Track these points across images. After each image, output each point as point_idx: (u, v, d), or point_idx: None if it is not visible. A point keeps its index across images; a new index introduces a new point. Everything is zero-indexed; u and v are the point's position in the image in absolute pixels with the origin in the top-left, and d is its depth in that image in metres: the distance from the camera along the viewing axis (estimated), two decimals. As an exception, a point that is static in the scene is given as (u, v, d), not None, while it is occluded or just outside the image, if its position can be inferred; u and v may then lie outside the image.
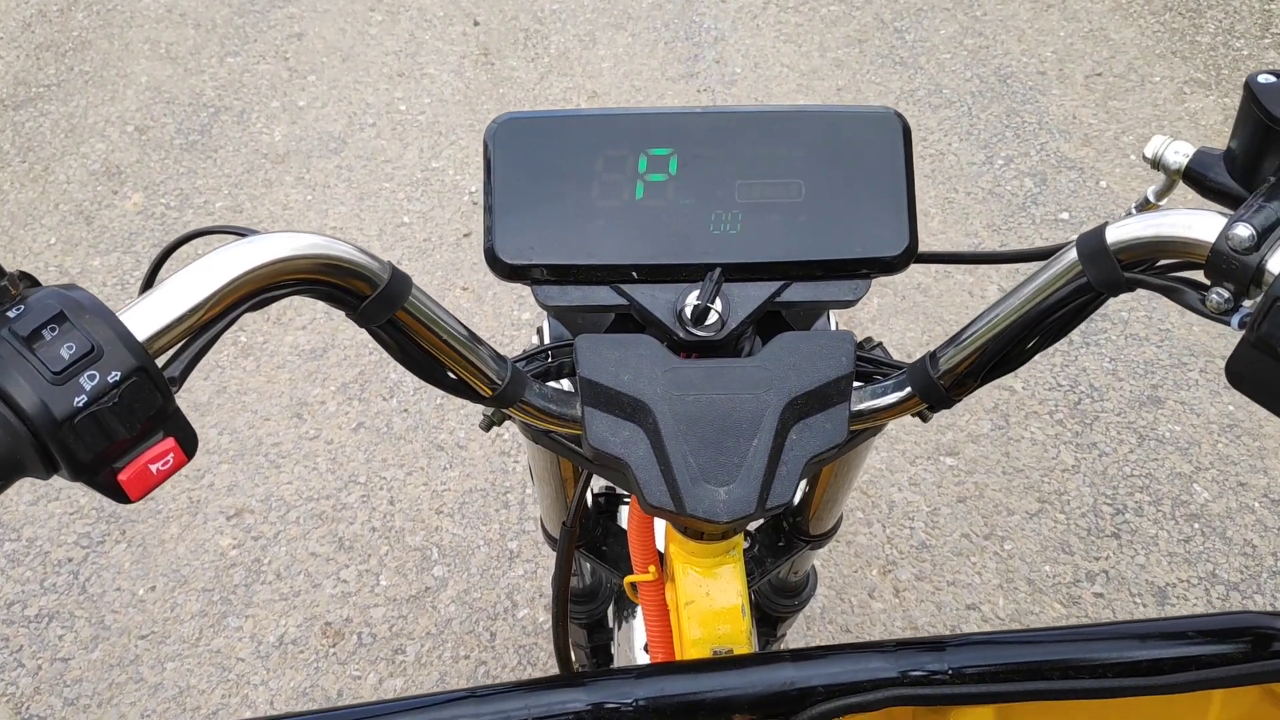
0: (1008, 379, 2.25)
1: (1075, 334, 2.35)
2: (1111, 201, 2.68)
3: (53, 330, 0.43)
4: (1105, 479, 2.08)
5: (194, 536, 2.01)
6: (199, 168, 2.90)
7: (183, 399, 0.49)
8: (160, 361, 0.46)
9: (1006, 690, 0.54)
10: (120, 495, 0.45)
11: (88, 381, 0.42)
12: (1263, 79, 0.55)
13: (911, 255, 0.67)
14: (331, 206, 2.76)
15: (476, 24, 3.49)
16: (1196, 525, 1.99)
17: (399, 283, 0.57)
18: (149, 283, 0.54)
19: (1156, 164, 0.65)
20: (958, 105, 3.07)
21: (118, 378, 0.43)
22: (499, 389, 0.66)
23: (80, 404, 0.42)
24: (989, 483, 2.07)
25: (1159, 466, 2.09)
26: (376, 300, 0.56)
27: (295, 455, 2.15)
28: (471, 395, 0.66)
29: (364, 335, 2.36)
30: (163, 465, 0.46)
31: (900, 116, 0.68)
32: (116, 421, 0.43)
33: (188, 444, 0.47)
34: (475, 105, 3.12)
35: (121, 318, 0.46)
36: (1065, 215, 2.66)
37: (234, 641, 1.85)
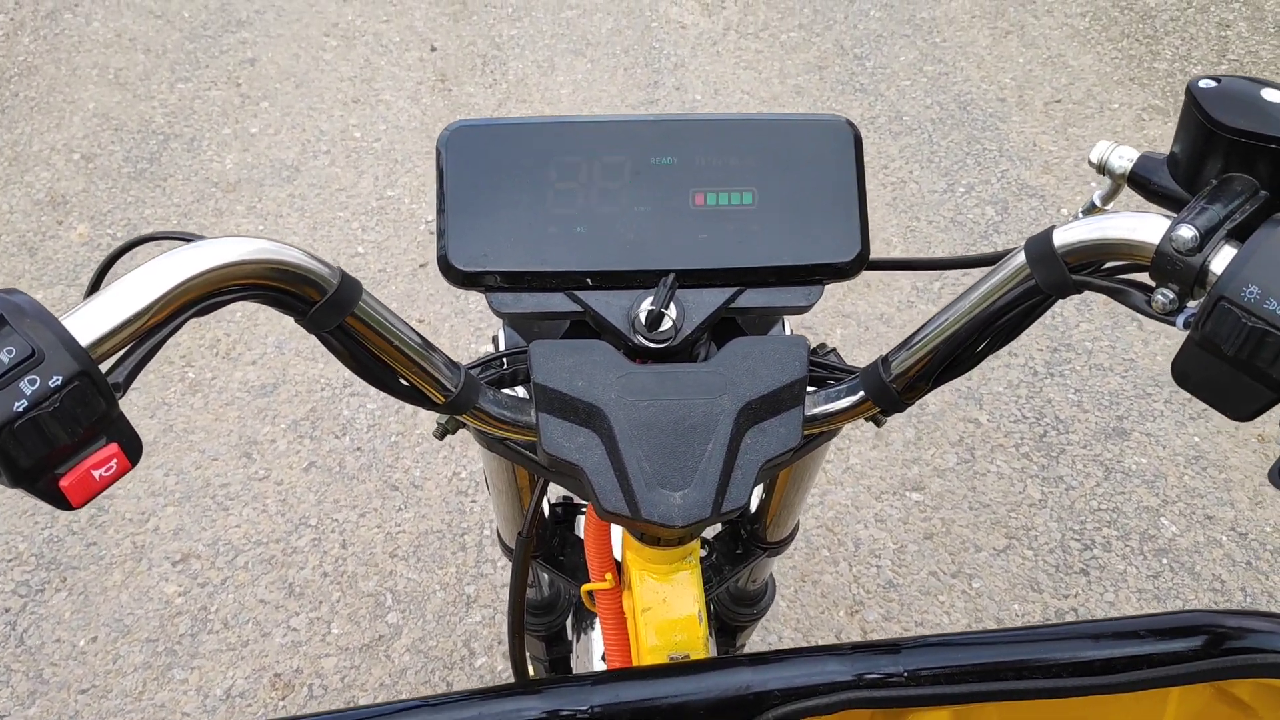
0: (973, 411, 2.23)
1: (1040, 366, 2.33)
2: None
3: None
4: (1072, 513, 2.05)
5: (138, 583, 1.93)
6: (147, 197, 2.82)
7: (128, 406, 0.48)
8: (104, 367, 0.46)
9: (962, 692, 0.55)
10: (62, 502, 0.45)
11: (28, 386, 0.42)
12: (1203, 84, 0.56)
13: (863, 262, 0.67)
14: (284, 236, 2.69)
15: (434, 49, 3.44)
16: (1165, 560, 1.97)
17: (349, 288, 0.57)
18: (94, 288, 0.52)
19: (1102, 169, 0.66)
20: (918, 132, 3.05)
21: (59, 382, 0.43)
22: (452, 396, 0.65)
23: (20, 409, 0.42)
24: (956, 518, 2.04)
25: (1126, 500, 2.07)
26: (326, 306, 0.56)
27: (244, 497, 2.08)
28: (424, 402, 0.65)
29: (316, 370, 2.37)
30: (105, 471, 0.45)
31: (851, 125, 0.68)
32: (58, 427, 0.43)
33: (131, 450, 0.47)
34: (432, 132, 3.06)
35: (64, 322, 0.45)
36: (1027, 244, 2.64)
37: (179, 695, 1.77)
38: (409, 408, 2.22)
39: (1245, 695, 0.59)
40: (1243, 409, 0.50)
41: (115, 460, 0.46)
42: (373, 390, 2.23)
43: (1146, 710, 0.59)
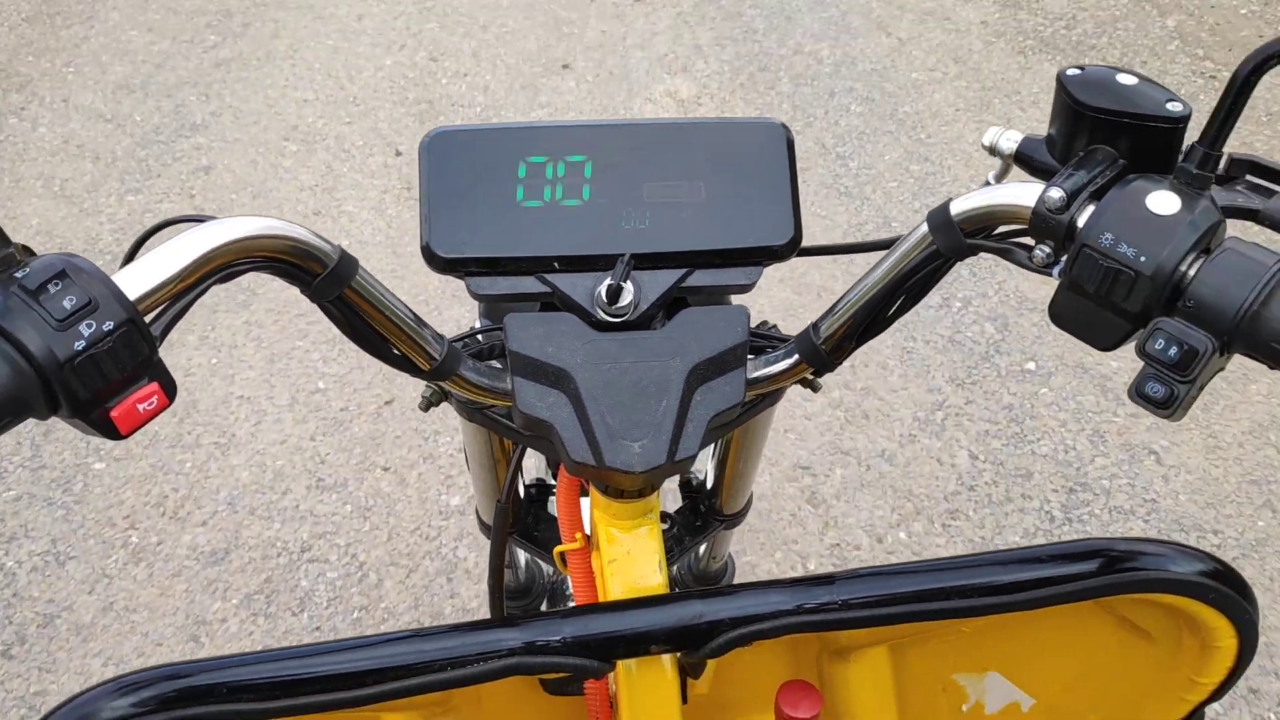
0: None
1: (1057, 511, 2.17)
2: (1080, 347, 2.53)
3: (55, 285, 0.50)
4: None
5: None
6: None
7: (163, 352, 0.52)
8: (146, 319, 0.54)
9: (886, 613, 0.63)
10: (112, 431, 0.53)
11: (86, 329, 0.50)
12: (1071, 72, 0.66)
13: (796, 245, 0.75)
14: (239, 371, 2.51)
15: (399, 154, 3.29)
16: (1206, 739, 1.80)
17: (346, 264, 0.65)
18: (129, 259, 0.58)
19: (993, 151, 0.74)
20: (909, 239, 2.91)
21: (111, 327, 0.51)
22: (436, 364, 0.74)
23: (79, 348, 0.50)
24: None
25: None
26: (326, 278, 0.64)
27: (191, 688, 1.87)
28: (411, 369, 0.73)
29: (271, 532, 2.18)
30: (148, 405, 0.54)
31: (784, 126, 0.77)
32: (111, 364, 0.51)
33: (169, 389, 0.55)
34: (398, 246, 2.91)
35: (115, 278, 0.53)
36: (1031, 365, 2.51)
37: None
38: (371, 578, 2.04)
39: (1132, 613, 0.71)
40: (1107, 340, 0.59)
41: (156, 397, 0.54)
42: (333, 556, 2.07)
43: (1049, 628, 0.72)
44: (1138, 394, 0.57)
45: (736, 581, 1.37)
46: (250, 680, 0.60)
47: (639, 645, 0.64)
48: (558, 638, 0.62)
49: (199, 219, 0.60)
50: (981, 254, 0.66)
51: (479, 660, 0.61)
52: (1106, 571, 0.65)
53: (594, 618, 0.64)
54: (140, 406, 0.53)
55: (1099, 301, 0.58)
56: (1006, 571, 0.65)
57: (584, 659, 0.63)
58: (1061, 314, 0.60)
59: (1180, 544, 0.66)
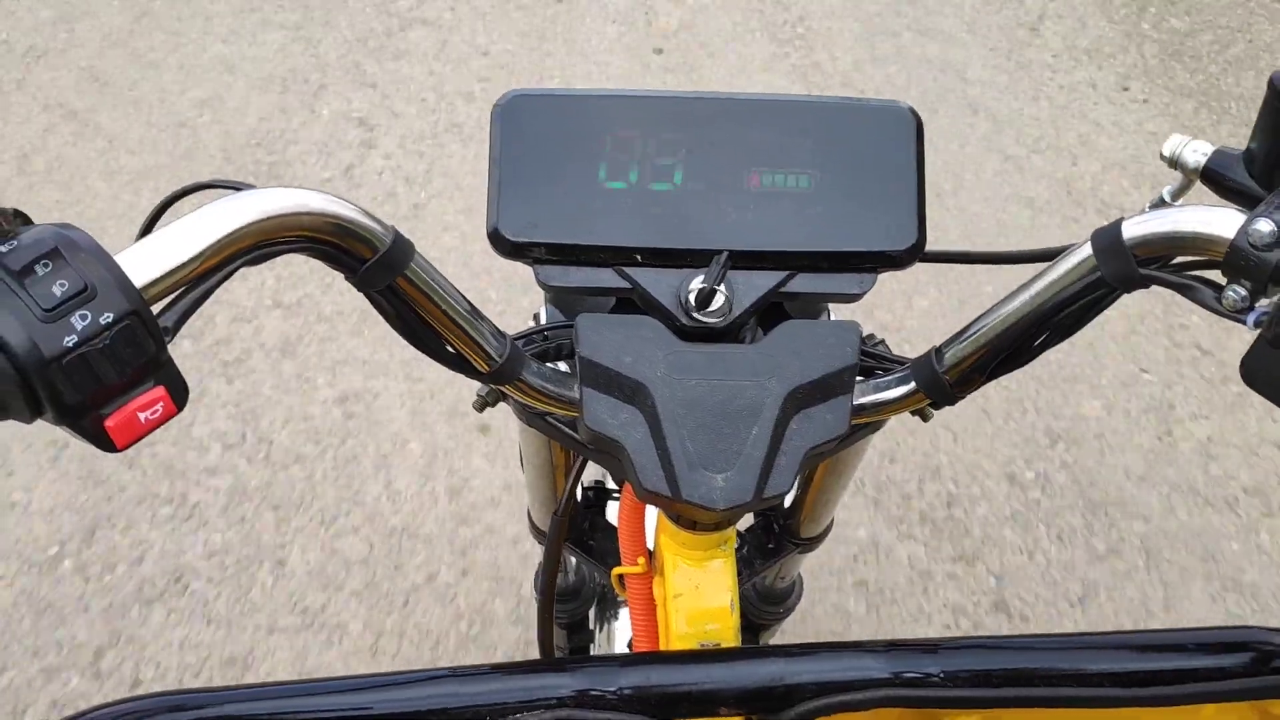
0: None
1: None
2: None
3: (46, 267, 0.43)
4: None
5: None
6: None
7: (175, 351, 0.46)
8: (155, 310, 0.46)
9: (998, 695, 0.55)
10: (106, 443, 0.45)
11: (79, 321, 0.43)
12: None
13: (918, 251, 0.67)
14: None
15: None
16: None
17: (401, 248, 0.57)
18: (147, 232, 0.52)
19: (1174, 163, 0.66)
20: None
21: (110, 319, 0.43)
22: (496, 365, 0.66)
23: (70, 344, 0.42)
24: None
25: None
26: (377, 265, 0.56)
27: None
28: (469, 370, 0.66)
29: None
30: (151, 414, 0.46)
31: (913, 111, 0.68)
32: (107, 365, 0.44)
33: (178, 394, 0.47)
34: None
35: (119, 259, 0.46)
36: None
37: None
38: None
39: None
40: None
41: (162, 404, 0.47)
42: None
43: None
44: None
45: (801, 599, 1.28)
46: (260, 715, 0.53)
47: (706, 706, 0.57)
48: (613, 689, 0.56)
49: (234, 186, 0.52)
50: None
51: (522, 708, 0.55)
52: (1260, 669, 0.56)
53: (656, 668, 0.57)
54: (142, 415, 0.46)
55: None
56: (1144, 658, 0.57)
57: (641, 715, 0.56)
58: (1257, 373, 0.51)
59: None
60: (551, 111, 0.67)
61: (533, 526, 1.10)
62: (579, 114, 0.67)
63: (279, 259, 0.55)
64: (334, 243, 0.55)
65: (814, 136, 0.67)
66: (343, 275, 0.58)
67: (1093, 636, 0.58)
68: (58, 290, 0.42)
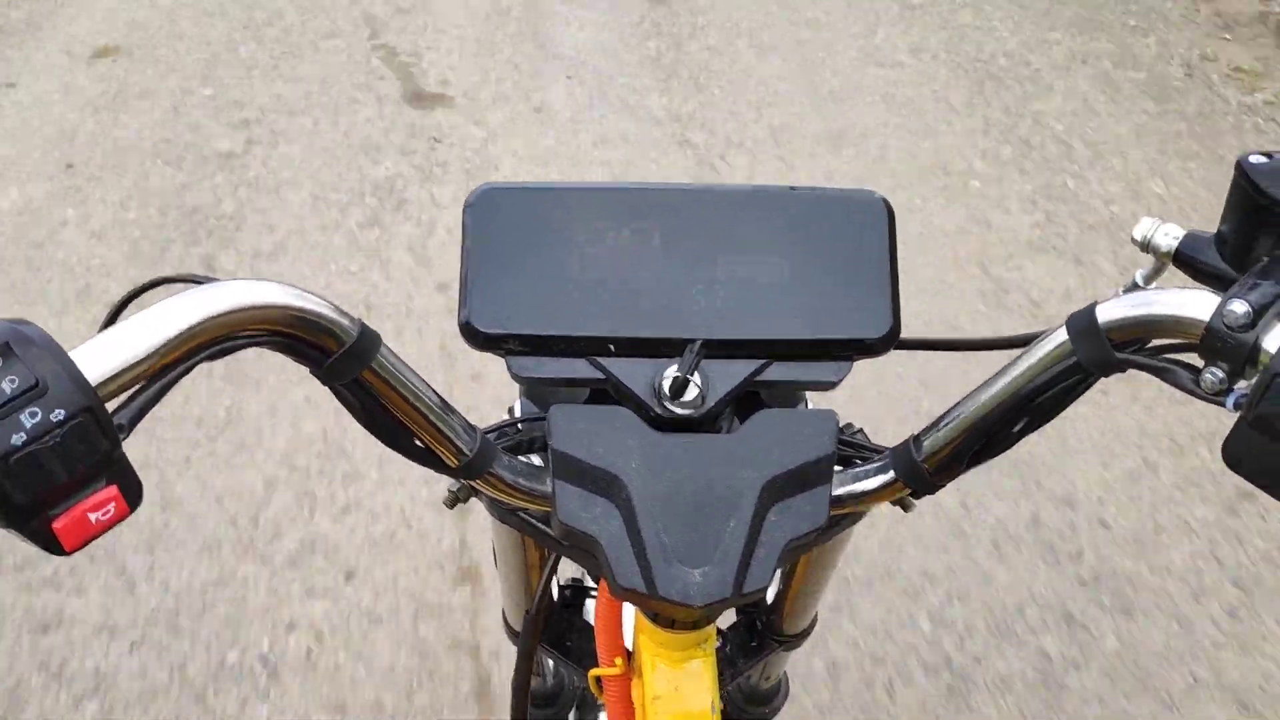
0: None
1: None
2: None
3: None
4: None
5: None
6: None
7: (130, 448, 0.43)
8: (110, 407, 0.45)
9: None
10: (54, 545, 0.44)
11: (28, 419, 0.41)
12: (1254, 159, 0.57)
13: (893, 339, 0.66)
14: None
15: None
16: None
17: (367, 340, 0.57)
18: (108, 326, 0.49)
19: (1146, 246, 0.66)
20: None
21: (61, 417, 0.42)
22: (466, 460, 0.64)
23: (18, 442, 0.41)
24: None
25: None
26: (343, 358, 0.56)
27: None
28: (438, 465, 0.64)
29: None
30: (103, 515, 0.45)
31: (884, 201, 0.68)
32: (56, 463, 0.42)
33: (131, 493, 0.46)
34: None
35: (72, 355, 0.44)
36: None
37: None
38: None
39: None
40: None
41: (114, 503, 0.45)
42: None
43: None
44: None
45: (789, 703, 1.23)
46: None
47: None
48: None
49: (195, 280, 0.51)
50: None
51: None
52: None
53: None
54: (93, 516, 0.44)
55: None
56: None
57: None
58: (1241, 456, 0.49)
59: None
60: (522, 204, 0.67)
61: (507, 627, 1.07)
62: (550, 206, 0.67)
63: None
64: (298, 336, 0.54)
65: (786, 225, 0.67)
66: (307, 369, 0.56)
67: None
68: (7, 387, 0.41)
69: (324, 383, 0.57)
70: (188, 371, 0.49)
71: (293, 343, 0.54)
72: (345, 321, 0.55)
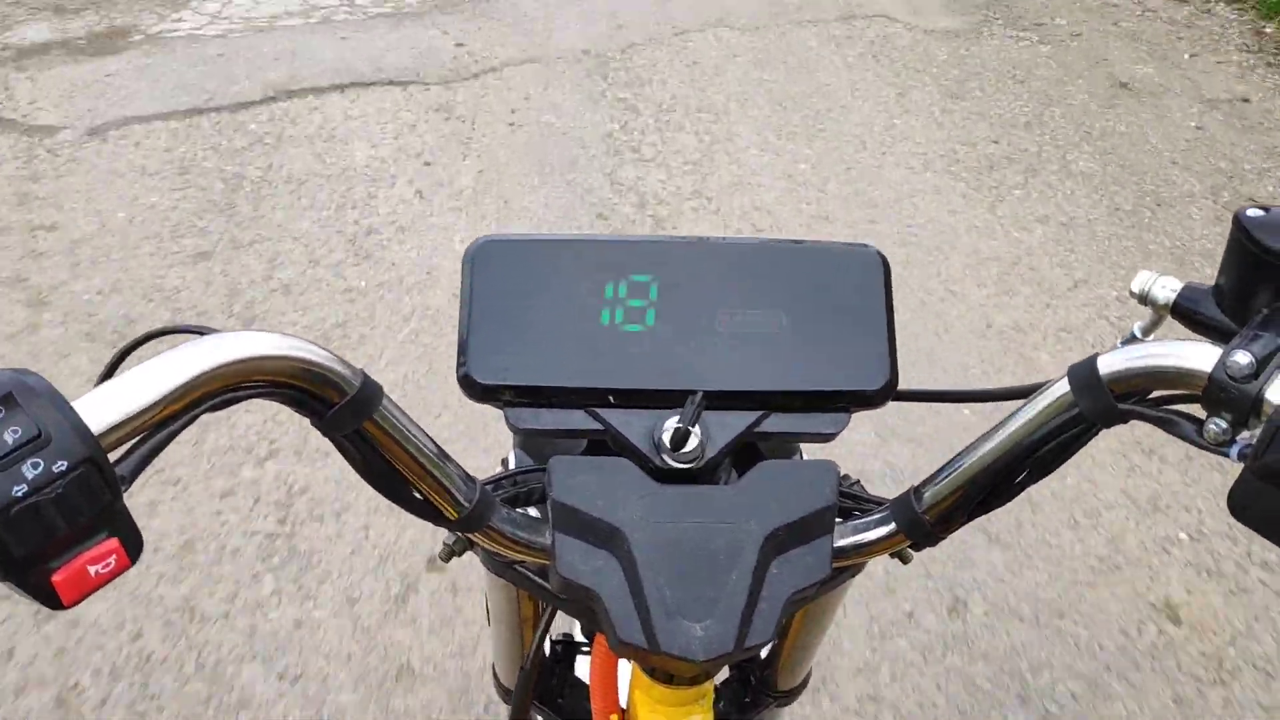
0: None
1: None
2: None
3: None
4: None
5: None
6: None
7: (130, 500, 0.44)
8: (112, 458, 0.45)
9: None
10: (52, 599, 0.43)
11: (30, 470, 0.41)
12: (1251, 213, 0.57)
13: (891, 390, 0.67)
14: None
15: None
16: None
17: (369, 392, 0.56)
18: (108, 377, 0.50)
19: (1144, 299, 0.67)
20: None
21: (64, 468, 0.42)
22: (465, 511, 0.63)
23: (19, 494, 0.41)
24: None
25: None
26: (344, 409, 0.55)
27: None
28: (436, 518, 0.64)
29: None
30: (103, 568, 0.44)
31: (881, 255, 0.69)
32: (58, 515, 0.42)
33: (132, 546, 0.45)
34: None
35: (75, 406, 0.44)
36: None
37: None
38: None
39: None
40: None
41: (114, 556, 0.44)
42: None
43: None
44: None
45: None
46: None
47: None
48: None
49: (198, 331, 0.51)
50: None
51: None
52: None
53: None
54: (93, 569, 0.44)
55: None
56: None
57: None
58: (1246, 506, 0.50)
59: None
60: (522, 256, 0.67)
61: (498, 685, 1.05)
62: (549, 258, 0.67)
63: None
64: (301, 387, 0.54)
65: (784, 278, 0.67)
66: (309, 420, 0.56)
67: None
68: (9, 437, 0.41)
69: (324, 434, 0.57)
70: (190, 423, 0.49)
71: (296, 394, 0.54)
72: (348, 373, 0.55)
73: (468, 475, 0.64)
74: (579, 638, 1.08)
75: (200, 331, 0.51)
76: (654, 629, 0.58)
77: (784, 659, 0.96)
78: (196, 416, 0.49)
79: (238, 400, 0.51)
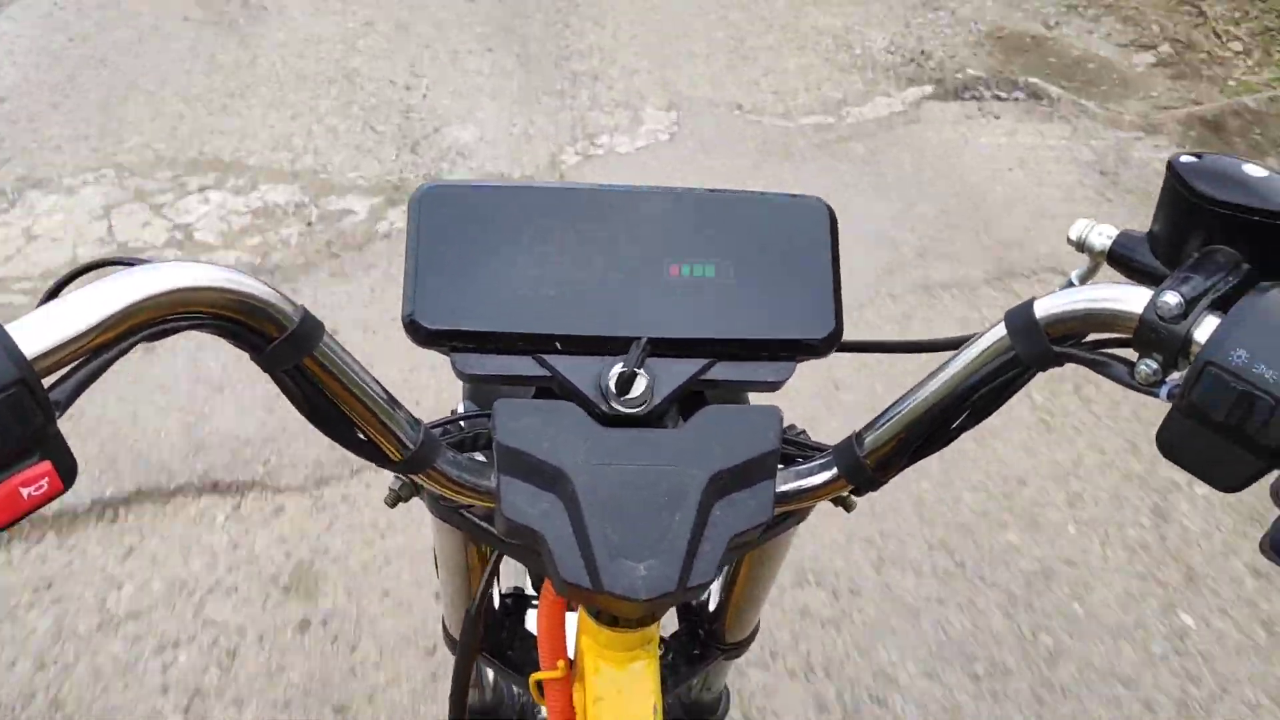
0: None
1: None
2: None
3: None
4: None
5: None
6: None
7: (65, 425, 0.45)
8: (46, 383, 0.45)
9: None
10: None
11: None
12: (1185, 159, 0.58)
13: (836, 339, 0.67)
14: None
15: None
16: None
17: (310, 327, 0.56)
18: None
19: (1081, 246, 0.67)
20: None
21: None
22: (409, 453, 0.64)
23: None
24: None
25: None
26: (283, 344, 0.55)
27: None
28: (380, 459, 0.64)
29: None
30: (35, 490, 0.44)
31: (827, 205, 0.69)
32: None
33: (66, 470, 0.46)
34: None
35: (9, 329, 0.45)
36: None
37: None
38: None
39: None
40: (1232, 479, 0.51)
41: (47, 479, 0.45)
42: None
43: None
44: (1272, 548, 0.48)
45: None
46: None
47: None
48: None
49: (134, 262, 0.51)
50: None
51: None
52: None
53: None
54: (25, 490, 0.44)
55: (1225, 432, 0.49)
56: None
57: None
58: (1174, 445, 0.52)
59: None
60: (469, 202, 0.67)
61: (446, 635, 1.05)
62: (496, 205, 0.67)
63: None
64: (238, 320, 0.53)
65: (731, 228, 0.68)
66: (247, 354, 0.56)
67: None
68: None
69: (264, 369, 0.56)
70: (125, 352, 0.49)
71: (233, 327, 0.53)
72: (287, 308, 0.55)
73: (413, 417, 0.64)
74: (530, 591, 1.09)
75: (140, 263, 0.51)
76: (598, 569, 0.58)
77: (731, 611, 0.98)
78: (132, 345, 0.49)
79: (174, 331, 0.51)
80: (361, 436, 0.62)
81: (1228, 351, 0.48)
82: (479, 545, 0.87)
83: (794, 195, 0.69)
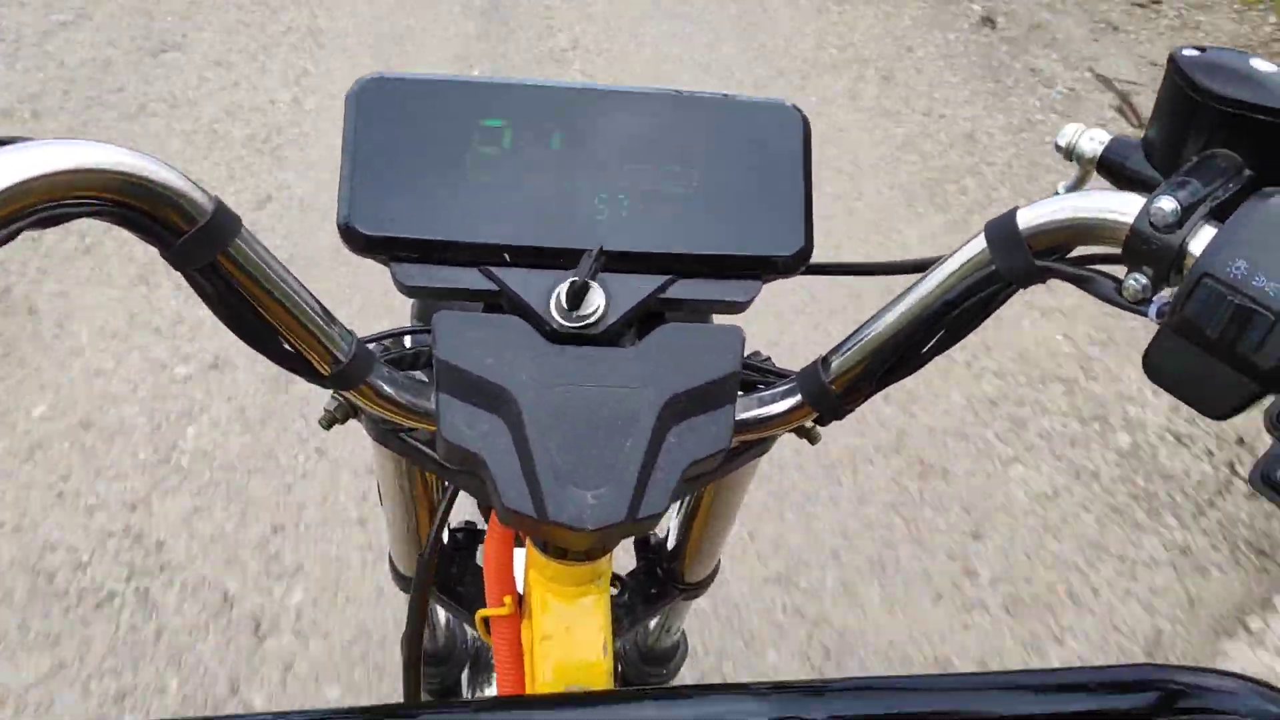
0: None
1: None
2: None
3: None
4: None
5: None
6: None
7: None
8: None
9: None
10: None
11: None
12: (1188, 53, 0.54)
13: (805, 258, 0.63)
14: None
15: None
16: None
17: (224, 220, 0.51)
18: None
19: (1069, 153, 0.62)
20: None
21: None
22: (340, 367, 0.59)
23: None
24: None
25: None
26: (194, 238, 0.50)
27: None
28: (307, 371, 0.59)
29: None
30: None
31: (801, 112, 0.64)
32: None
33: None
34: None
35: None
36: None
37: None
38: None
39: None
40: (1223, 404, 0.47)
41: None
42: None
43: None
44: (1263, 480, 0.44)
45: (689, 661, 1.20)
46: None
47: None
48: None
49: (11, 140, 0.46)
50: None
51: None
52: (1166, 709, 0.52)
53: (514, 714, 0.51)
54: None
55: (1219, 352, 0.45)
56: (1045, 699, 0.52)
57: None
58: (1162, 366, 0.48)
59: (1259, 681, 0.52)
60: (413, 97, 0.61)
61: (394, 571, 1.01)
62: (443, 101, 0.61)
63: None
64: (140, 209, 0.48)
65: (696, 134, 0.63)
66: (156, 249, 0.51)
67: (991, 676, 0.54)
68: None
69: (175, 267, 0.51)
70: (10, 239, 0.44)
71: (135, 216, 0.48)
72: (198, 197, 0.50)
73: (345, 329, 0.60)
74: (481, 525, 1.05)
75: (15, 141, 0.46)
76: (543, 497, 0.55)
77: (690, 549, 0.94)
78: (18, 231, 0.44)
79: (66, 217, 0.46)
80: (287, 347, 0.58)
81: (1225, 262, 0.44)
82: (424, 474, 0.82)
83: (767, 100, 0.65)
